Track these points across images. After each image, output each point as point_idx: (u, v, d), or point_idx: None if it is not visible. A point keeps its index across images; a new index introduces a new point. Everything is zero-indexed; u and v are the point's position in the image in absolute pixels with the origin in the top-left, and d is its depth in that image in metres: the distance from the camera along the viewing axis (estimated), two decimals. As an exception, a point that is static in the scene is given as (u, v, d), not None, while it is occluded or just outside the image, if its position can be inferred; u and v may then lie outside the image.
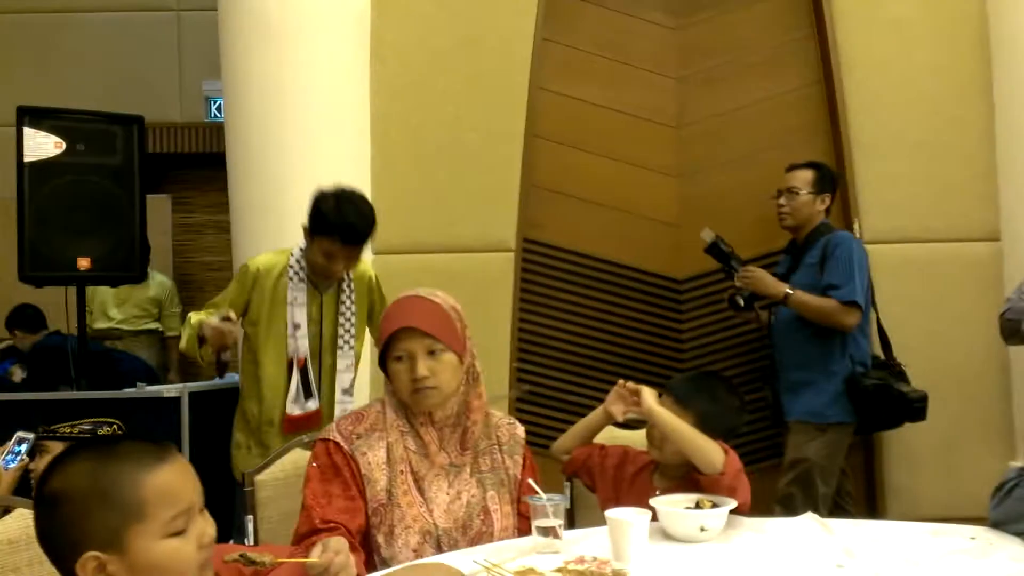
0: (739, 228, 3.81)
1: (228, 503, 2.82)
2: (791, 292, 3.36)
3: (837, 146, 4.02)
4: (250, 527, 2.16)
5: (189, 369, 5.44)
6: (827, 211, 3.56)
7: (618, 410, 2.21)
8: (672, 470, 2.15)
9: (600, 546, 1.80)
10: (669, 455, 2.12)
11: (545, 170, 4.06)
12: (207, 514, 1.30)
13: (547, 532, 1.81)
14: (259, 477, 2.19)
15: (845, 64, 3.98)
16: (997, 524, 1.90)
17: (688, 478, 2.10)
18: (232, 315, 2.83)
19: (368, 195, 3.92)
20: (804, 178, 3.53)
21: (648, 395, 2.13)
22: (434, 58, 3.99)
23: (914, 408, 3.35)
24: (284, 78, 3.66)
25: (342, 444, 1.92)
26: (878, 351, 3.58)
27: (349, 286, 3.06)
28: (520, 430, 2.08)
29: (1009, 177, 3.89)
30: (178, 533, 1.24)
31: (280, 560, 1.50)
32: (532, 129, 4.01)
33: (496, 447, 2.02)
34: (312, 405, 2.98)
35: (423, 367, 1.87)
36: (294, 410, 2.95)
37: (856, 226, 3.95)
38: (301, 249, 3.01)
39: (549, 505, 1.82)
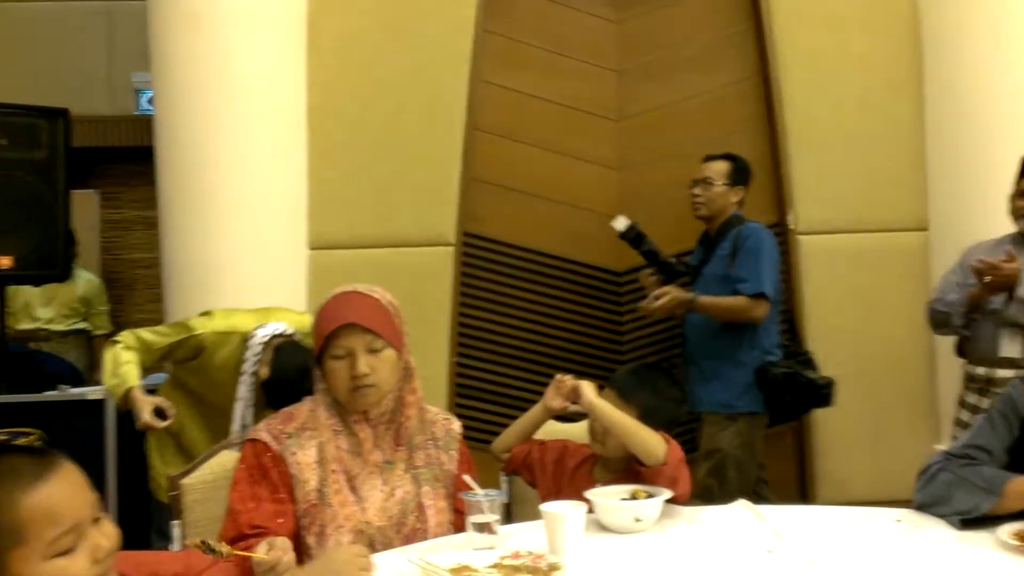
0: (679, 220, 3.82)
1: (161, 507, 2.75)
2: (697, 297, 3.39)
3: (773, 139, 4.06)
4: (176, 532, 2.09)
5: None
6: (740, 203, 3.58)
7: (557, 404, 2.20)
8: (614, 463, 2.14)
9: (536, 540, 1.78)
10: (612, 448, 2.10)
11: (485, 163, 4.03)
12: (105, 524, 1.22)
13: (482, 528, 1.78)
14: (185, 481, 2.12)
15: (781, 58, 4.02)
16: (922, 507, 1.93)
17: (629, 470, 2.09)
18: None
19: (304, 189, 3.88)
20: (719, 169, 3.56)
21: (587, 389, 2.11)
22: (372, 49, 3.92)
23: (821, 394, 3.39)
24: (216, 69, 3.56)
25: (271, 444, 1.86)
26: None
27: None
28: (456, 425, 2.05)
29: (937, 169, 3.98)
30: (66, 551, 1.16)
31: (235, 552, 1.50)
32: (472, 122, 3.97)
33: (431, 442, 1.99)
34: None
35: (364, 364, 1.83)
36: None
37: (791, 217, 4.00)
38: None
39: (485, 500, 1.79)
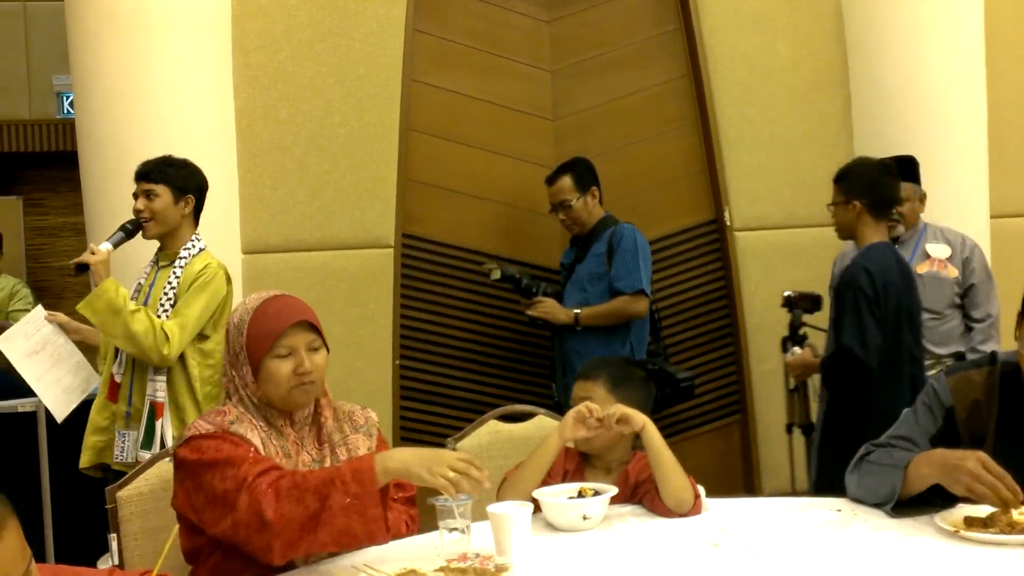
0: (619, 217, 3.85)
1: (101, 522, 2.66)
2: (579, 312, 3.50)
3: (706, 137, 4.13)
4: (114, 545, 2.02)
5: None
6: (600, 199, 3.62)
7: (581, 435, 2.03)
8: (604, 462, 2.12)
9: (485, 541, 1.77)
10: (597, 445, 2.08)
11: (422, 164, 4.01)
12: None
13: (454, 533, 1.76)
14: (121, 493, 2.05)
15: (711, 58, 4.09)
16: (854, 498, 1.98)
17: (621, 474, 2.07)
18: None
19: (235, 191, 3.80)
20: (565, 187, 3.60)
21: (638, 415, 2.01)
22: (300, 49, 3.86)
23: (682, 389, 3.52)
24: (138, 71, 3.46)
25: (217, 432, 1.80)
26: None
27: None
28: (373, 415, 2.04)
29: (865, 165, 4.08)
30: None
31: None
32: (407, 122, 3.95)
33: (351, 432, 1.97)
34: None
35: (309, 362, 1.84)
36: None
37: (727, 215, 4.07)
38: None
39: (456, 506, 1.76)
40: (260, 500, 1.64)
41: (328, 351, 1.92)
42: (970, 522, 1.74)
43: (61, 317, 3.00)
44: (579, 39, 4.15)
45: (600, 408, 2.01)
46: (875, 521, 1.86)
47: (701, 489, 2.01)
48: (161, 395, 2.81)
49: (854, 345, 2.87)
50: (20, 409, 3.42)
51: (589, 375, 2.15)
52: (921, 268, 3.38)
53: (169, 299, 2.85)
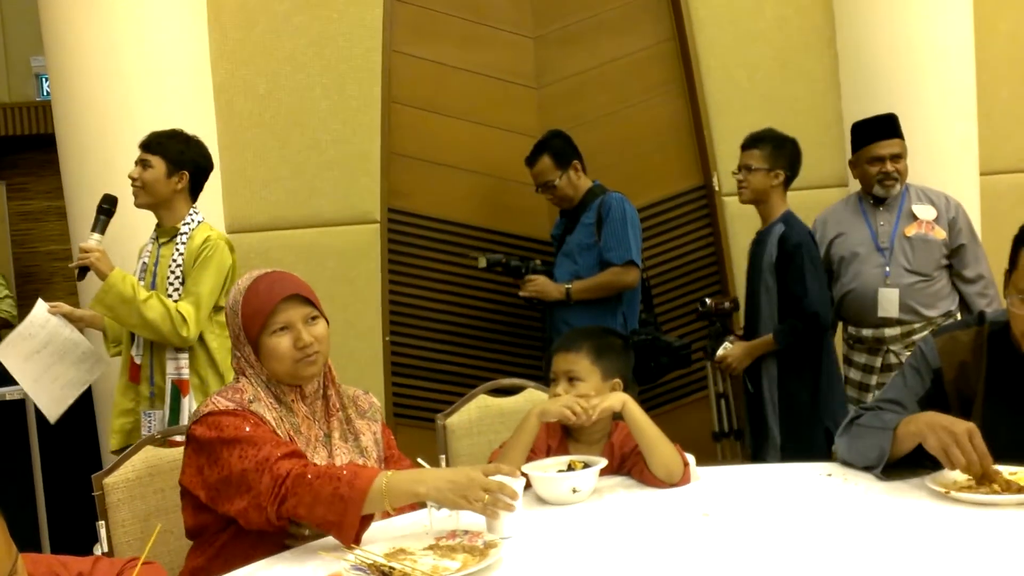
0: (604, 185, 3.81)
1: (93, 506, 2.65)
2: (569, 287, 3.48)
3: (693, 101, 4.08)
4: (103, 532, 2.01)
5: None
6: (583, 169, 3.58)
7: (557, 414, 2.03)
8: (587, 434, 2.11)
9: (473, 518, 1.76)
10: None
11: (406, 137, 3.96)
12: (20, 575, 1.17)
13: (443, 510, 1.74)
14: (108, 480, 2.04)
15: (696, 21, 4.03)
16: (844, 462, 1.98)
17: (607, 446, 2.08)
18: None
19: (217, 170, 3.75)
20: (546, 167, 3.56)
21: (617, 397, 2.02)
22: (277, 22, 3.79)
23: (681, 356, 3.54)
24: (113, 50, 3.40)
25: (237, 409, 1.80)
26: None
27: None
28: (376, 400, 2.06)
29: (854, 125, 4.05)
30: None
31: None
32: (389, 94, 3.89)
33: (356, 415, 1.98)
34: None
35: (307, 334, 1.84)
36: None
37: (715, 180, 4.03)
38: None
39: None
40: (282, 488, 1.67)
41: (328, 322, 1.91)
42: (960, 484, 1.73)
43: (64, 307, 2.99)
44: (562, 4, 4.08)
45: (587, 387, 2.05)
46: (866, 484, 1.86)
47: (691, 458, 2.01)
48: (185, 372, 2.82)
49: (820, 309, 3.12)
50: (8, 397, 3.40)
51: (571, 347, 2.12)
52: (909, 230, 3.35)
53: (177, 276, 2.85)
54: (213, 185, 3.71)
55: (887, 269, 3.32)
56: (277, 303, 1.84)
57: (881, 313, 3.31)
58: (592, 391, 2.06)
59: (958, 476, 1.77)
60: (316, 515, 1.66)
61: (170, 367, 2.82)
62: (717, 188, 4.03)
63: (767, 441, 3.19)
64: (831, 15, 4.09)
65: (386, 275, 3.92)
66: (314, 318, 1.88)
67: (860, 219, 3.42)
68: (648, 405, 3.91)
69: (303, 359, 1.84)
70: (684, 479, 1.97)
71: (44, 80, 5.70)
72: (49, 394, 2.94)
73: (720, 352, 3.31)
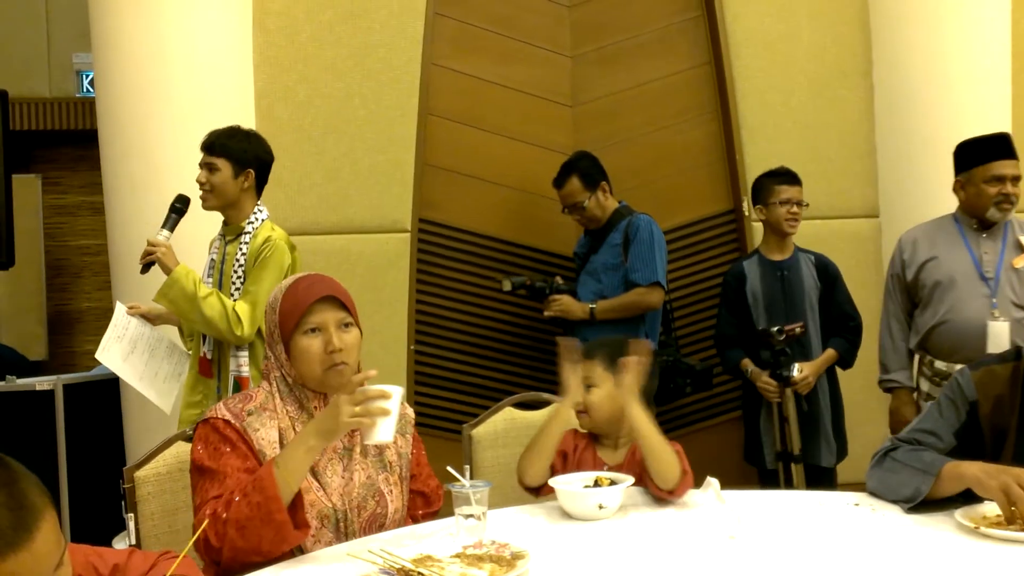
0: (634, 206, 3.83)
1: (116, 498, 2.68)
2: (594, 306, 3.49)
3: (726, 126, 4.09)
4: (131, 525, 2.03)
5: (63, 359, 5.15)
6: (610, 190, 3.59)
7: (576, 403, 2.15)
8: (608, 440, 2.18)
9: (501, 528, 1.77)
10: (599, 422, 2.16)
11: (440, 149, 3.99)
12: (66, 567, 1.19)
13: (471, 520, 1.76)
14: (139, 473, 2.07)
15: (733, 46, 4.05)
16: (873, 493, 1.97)
17: (630, 450, 2.14)
18: None
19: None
20: (575, 189, 3.56)
21: (631, 391, 2.08)
22: (320, 31, 3.85)
23: (703, 378, 3.56)
24: (158, 50, 3.46)
25: (232, 421, 1.82)
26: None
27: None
28: (409, 411, 2.06)
29: (887, 155, 4.05)
30: None
31: None
32: (426, 106, 3.93)
33: None
34: None
35: (338, 339, 1.84)
36: None
37: (745, 205, 4.04)
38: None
39: (473, 493, 1.76)
40: (213, 540, 1.68)
41: (361, 332, 1.92)
42: (990, 520, 1.73)
43: (141, 307, 3.05)
44: (600, 25, 4.12)
45: (601, 392, 2.14)
46: (893, 516, 1.85)
47: (715, 481, 2.00)
48: (245, 370, 2.85)
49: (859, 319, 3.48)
50: (38, 388, 3.45)
51: (588, 355, 2.20)
52: (1017, 262, 3.04)
53: (239, 276, 2.88)
54: (249, 187, 3.77)
55: (994, 301, 3.00)
56: (313, 303, 1.85)
57: (991, 348, 2.93)
58: (607, 397, 2.14)
59: (988, 511, 1.76)
60: (253, 538, 1.65)
61: (232, 364, 2.85)
62: (747, 213, 4.03)
63: (827, 453, 3.40)
64: (868, 44, 4.09)
65: (414, 284, 3.95)
66: (348, 324, 1.88)
67: (959, 244, 3.09)
68: (670, 427, 3.91)
69: (332, 367, 1.84)
70: (680, 489, 1.99)
71: (85, 77, 5.79)
72: (155, 389, 3.01)
73: (800, 374, 3.33)
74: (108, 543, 3.13)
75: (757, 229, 4.04)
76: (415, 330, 3.96)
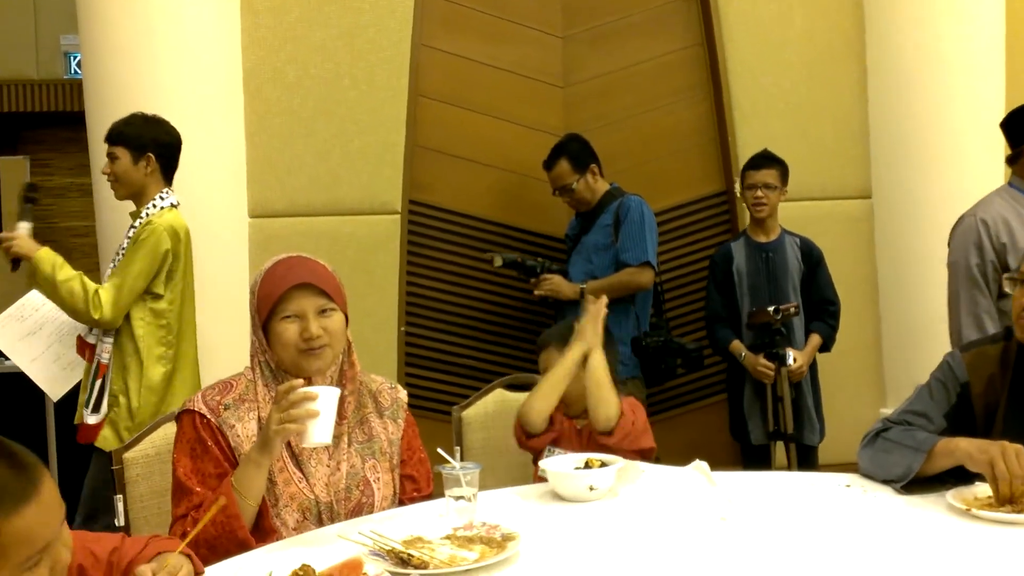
0: (625, 187, 3.82)
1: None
2: (584, 286, 3.48)
3: (718, 107, 4.08)
4: (120, 507, 2.03)
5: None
6: (600, 172, 3.57)
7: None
8: (583, 420, 2.25)
9: (491, 510, 1.77)
10: (570, 402, 2.27)
11: (430, 130, 3.97)
12: (65, 530, 1.21)
13: (461, 501, 1.75)
14: (127, 455, 2.06)
15: (726, 27, 4.03)
16: (864, 473, 1.97)
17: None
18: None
19: (243, 154, 3.76)
20: (564, 171, 3.55)
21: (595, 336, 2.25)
22: (309, 11, 3.81)
23: (693, 358, 3.54)
24: (146, 32, 3.43)
25: (208, 417, 1.80)
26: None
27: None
28: (403, 394, 2.02)
29: (880, 137, 4.04)
30: (33, 566, 1.14)
31: None
32: (416, 87, 3.90)
33: (374, 415, 1.94)
34: None
35: (316, 326, 1.79)
36: None
37: (737, 186, 4.02)
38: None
39: (463, 474, 1.75)
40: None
41: (347, 316, 1.86)
42: (982, 501, 1.73)
43: None
44: (591, 5, 4.08)
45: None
46: (885, 497, 1.85)
47: (704, 464, 2.00)
48: (106, 356, 2.79)
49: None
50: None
51: (543, 346, 2.36)
52: None
53: (116, 260, 2.84)
54: (237, 170, 3.75)
55: None
56: (288, 290, 1.79)
57: None
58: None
59: (980, 493, 1.76)
60: (222, 552, 1.66)
61: (98, 348, 2.80)
62: (739, 194, 4.02)
63: (810, 432, 3.46)
64: (861, 26, 4.07)
65: (404, 266, 3.93)
66: (328, 310, 1.82)
67: None
68: (660, 408, 3.92)
69: (307, 351, 1.79)
70: (620, 427, 2.14)
71: (72, 58, 5.74)
72: (49, 373, 2.93)
73: (798, 361, 3.37)
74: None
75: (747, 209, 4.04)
76: (405, 312, 3.94)
